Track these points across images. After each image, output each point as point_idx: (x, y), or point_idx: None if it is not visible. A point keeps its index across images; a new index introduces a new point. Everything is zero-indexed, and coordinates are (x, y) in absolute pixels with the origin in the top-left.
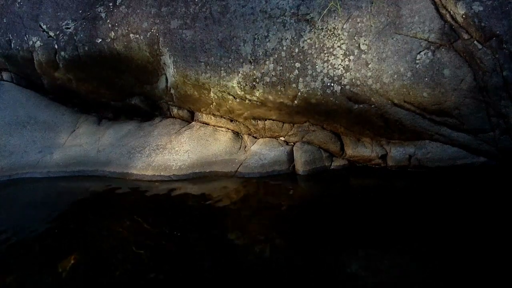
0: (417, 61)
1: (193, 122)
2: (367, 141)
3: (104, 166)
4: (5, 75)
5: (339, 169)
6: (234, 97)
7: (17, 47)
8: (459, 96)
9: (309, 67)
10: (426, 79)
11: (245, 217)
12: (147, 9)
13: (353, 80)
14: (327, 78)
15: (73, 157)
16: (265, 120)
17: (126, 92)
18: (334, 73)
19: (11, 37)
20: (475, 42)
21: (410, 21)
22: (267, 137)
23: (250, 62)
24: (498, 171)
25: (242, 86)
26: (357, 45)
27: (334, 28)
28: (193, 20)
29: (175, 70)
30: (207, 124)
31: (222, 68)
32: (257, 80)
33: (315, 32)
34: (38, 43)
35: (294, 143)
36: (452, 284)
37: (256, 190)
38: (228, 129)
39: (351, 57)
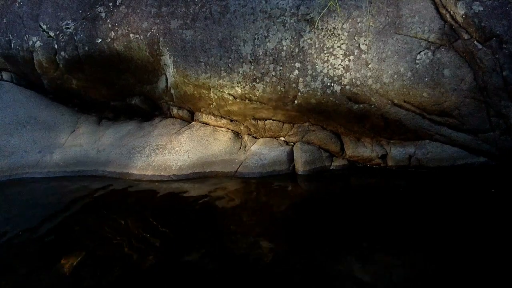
0: (417, 61)
1: (193, 122)
2: (367, 141)
3: (104, 166)
4: (5, 75)
5: (339, 169)
6: (234, 97)
7: (17, 47)
8: (459, 96)
9: (309, 67)
10: (426, 79)
11: (245, 217)
12: (147, 9)
13: (353, 80)
14: (327, 78)
15: (73, 157)
16: (265, 120)
17: (126, 92)
18: (334, 73)
19: (11, 37)
20: (475, 42)
21: (410, 21)
22: (267, 137)
23: (250, 62)
24: (498, 171)
25: (242, 86)
26: (357, 45)
27: (334, 28)
28: (193, 20)
29: (175, 70)
30: (207, 124)
31: (222, 68)
32: (257, 80)
33: (315, 32)
34: (38, 43)
35: (294, 143)
36: (452, 283)
37: (256, 190)
38: (228, 129)
39: (351, 57)
